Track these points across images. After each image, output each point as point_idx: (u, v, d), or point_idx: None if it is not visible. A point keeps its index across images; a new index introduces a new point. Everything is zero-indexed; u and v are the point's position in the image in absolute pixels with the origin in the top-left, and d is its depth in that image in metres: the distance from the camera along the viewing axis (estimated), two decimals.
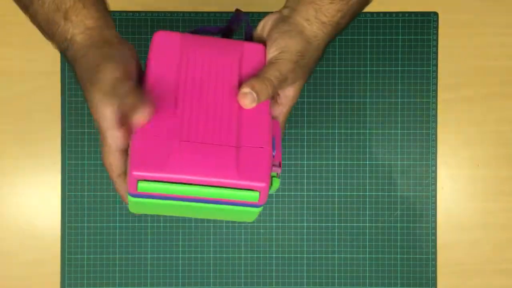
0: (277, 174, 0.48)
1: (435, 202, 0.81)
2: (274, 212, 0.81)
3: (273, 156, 0.48)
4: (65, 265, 0.81)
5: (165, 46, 0.50)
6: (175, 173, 0.44)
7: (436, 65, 0.82)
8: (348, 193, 0.81)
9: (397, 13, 0.82)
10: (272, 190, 0.48)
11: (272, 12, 0.53)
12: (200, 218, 0.81)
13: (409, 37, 0.82)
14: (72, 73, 0.53)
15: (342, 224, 0.81)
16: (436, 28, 0.82)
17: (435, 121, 0.82)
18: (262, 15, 0.82)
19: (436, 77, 0.82)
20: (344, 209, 0.81)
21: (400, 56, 0.82)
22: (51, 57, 0.82)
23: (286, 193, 0.81)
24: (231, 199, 0.46)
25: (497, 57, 0.82)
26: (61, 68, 0.81)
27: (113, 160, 0.48)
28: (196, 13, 0.82)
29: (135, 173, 0.44)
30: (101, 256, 0.81)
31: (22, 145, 0.81)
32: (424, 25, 0.82)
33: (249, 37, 0.56)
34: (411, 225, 0.81)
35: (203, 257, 0.81)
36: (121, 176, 0.49)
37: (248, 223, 0.81)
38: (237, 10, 0.56)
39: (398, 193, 0.82)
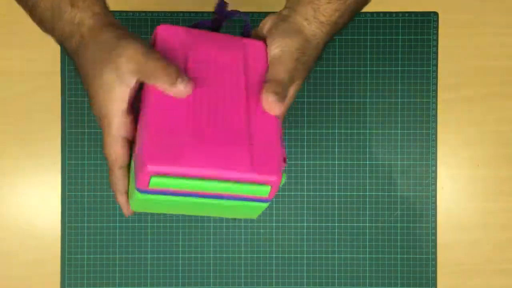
0: (284, 169, 0.49)
1: (435, 202, 0.81)
2: (274, 212, 0.81)
3: None
4: (65, 265, 0.81)
5: (169, 40, 0.50)
6: (190, 166, 0.43)
7: (436, 65, 0.82)
8: (348, 193, 0.81)
9: (397, 13, 0.82)
10: (279, 185, 0.49)
11: (272, 13, 0.54)
12: (200, 218, 0.81)
13: (409, 37, 0.82)
14: (73, 66, 0.52)
15: (342, 224, 0.81)
16: (436, 28, 0.82)
17: (435, 121, 0.82)
18: (262, 15, 0.82)
19: (436, 77, 0.82)
20: (344, 209, 0.81)
21: (400, 56, 0.82)
22: (51, 57, 0.82)
23: (286, 193, 0.81)
24: (243, 194, 0.45)
25: (497, 57, 0.82)
26: (61, 68, 0.81)
27: (118, 150, 0.46)
28: (196, 13, 0.82)
29: (150, 166, 0.42)
30: (101, 256, 0.81)
31: (22, 145, 0.81)
32: (424, 25, 0.82)
33: (247, 35, 0.56)
34: (411, 225, 0.81)
35: (203, 257, 0.81)
36: (123, 169, 0.47)
37: (249, 222, 0.81)
38: (220, 0, 0.56)
39: (398, 193, 0.82)
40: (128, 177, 0.49)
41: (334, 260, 0.81)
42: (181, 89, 0.46)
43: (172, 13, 0.82)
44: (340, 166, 0.81)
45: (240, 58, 0.51)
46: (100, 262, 0.81)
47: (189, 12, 0.82)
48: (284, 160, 0.48)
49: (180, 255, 0.81)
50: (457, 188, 0.82)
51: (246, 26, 0.56)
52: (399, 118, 0.82)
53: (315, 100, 0.82)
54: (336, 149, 0.81)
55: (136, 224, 0.81)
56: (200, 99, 0.47)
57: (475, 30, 0.82)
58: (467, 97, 0.82)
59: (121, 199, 0.49)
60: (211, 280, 0.81)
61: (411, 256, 0.81)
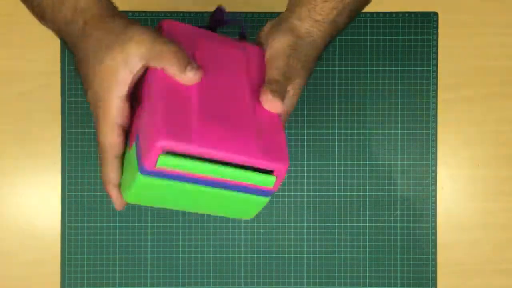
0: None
1: (435, 202, 0.81)
2: (274, 212, 0.81)
3: None
4: (65, 265, 0.81)
5: (175, 33, 0.50)
6: (201, 146, 0.42)
7: (436, 65, 0.82)
8: (348, 193, 0.81)
9: (397, 13, 0.82)
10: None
11: (272, 15, 0.54)
12: (200, 218, 0.81)
13: (409, 37, 0.82)
14: (71, 54, 0.50)
15: (342, 224, 0.81)
16: (436, 28, 0.82)
17: (435, 121, 0.82)
18: (262, 15, 0.82)
19: (436, 77, 0.82)
20: (344, 209, 0.81)
21: (400, 56, 0.82)
22: (51, 57, 0.82)
23: (286, 193, 0.81)
24: (248, 182, 0.45)
25: (497, 57, 0.82)
26: (61, 68, 0.81)
27: (114, 138, 0.45)
28: (196, 13, 0.82)
29: (161, 142, 0.41)
30: (101, 256, 0.81)
31: (22, 145, 0.81)
32: (424, 25, 0.82)
33: (243, 38, 0.57)
34: (411, 225, 0.81)
35: (203, 257, 0.81)
36: (118, 159, 0.46)
37: (249, 222, 0.81)
38: (218, 7, 0.56)
39: (398, 193, 0.82)
40: (122, 168, 0.48)
41: (334, 260, 0.81)
42: (190, 76, 0.46)
43: (172, 13, 0.82)
44: (340, 166, 0.81)
45: (242, 57, 0.51)
46: (100, 262, 0.81)
47: (189, 12, 0.82)
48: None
49: (180, 255, 0.81)
50: (457, 188, 0.82)
51: (242, 31, 0.56)
52: (399, 118, 0.82)
53: (315, 100, 0.82)
54: (336, 149, 0.81)
55: (136, 224, 0.81)
56: (206, 88, 0.47)
57: (475, 30, 0.82)
58: (467, 97, 0.82)
59: (113, 191, 0.47)
60: (211, 280, 0.81)
61: (411, 256, 0.81)
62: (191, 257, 0.81)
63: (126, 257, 0.81)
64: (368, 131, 0.82)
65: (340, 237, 0.81)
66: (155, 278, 0.81)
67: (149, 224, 0.81)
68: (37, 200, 0.81)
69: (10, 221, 0.81)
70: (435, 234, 0.81)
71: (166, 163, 0.42)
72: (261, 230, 0.81)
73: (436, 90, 0.82)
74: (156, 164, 0.42)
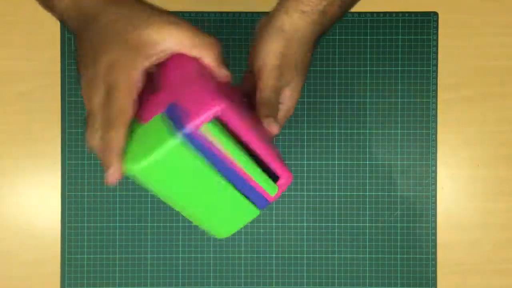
0: None
1: (435, 202, 0.81)
2: (274, 212, 0.81)
3: None
4: (65, 265, 0.81)
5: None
6: (244, 124, 0.44)
7: (436, 65, 0.82)
8: (348, 193, 0.81)
9: (397, 13, 0.82)
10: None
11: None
12: None
13: (409, 37, 0.82)
14: (73, 27, 0.48)
15: (342, 224, 0.81)
16: (436, 28, 0.82)
17: (435, 121, 0.82)
18: (262, 15, 0.82)
19: (436, 77, 0.82)
20: (344, 209, 0.81)
21: (400, 56, 0.82)
22: (51, 57, 0.82)
23: (286, 193, 0.81)
24: (256, 180, 0.46)
25: (497, 57, 0.82)
26: (61, 68, 0.81)
27: (131, 102, 0.43)
28: (197, 13, 0.82)
29: (219, 106, 0.42)
30: (101, 256, 0.81)
31: (22, 145, 0.81)
32: (424, 25, 0.82)
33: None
34: (411, 225, 0.81)
35: (203, 257, 0.81)
36: (127, 125, 0.44)
37: (249, 222, 0.81)
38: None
39: (398, 193, 0.82)
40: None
41: (334, 260, 0.81)
42: (224, 71, 0.46)
43: (172, 13, 0.82)
44: (340, 166, 0.81)
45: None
46: (100, 262, 0.81)
47: (189, 12, 0.82)
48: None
49: (180, 255, 0.81)
50: (457, 188, 0.82)
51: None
52: (399, 118, 0.82)
53: (315, 100, 0.82)
54: (336, 149, 0.81)
55: (136, 224, 0.81)
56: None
57: (475, 30, 0.82)
58: (467, 97, 0.82)
59: (115, 159, 0.44)
60: (211, 280, 0.81)
61: (411, 256, 0.81)
62: (191, 257, 0.81)
63: (126, 257, 0.81)
64: (368, 131, 0.82)
65: (340, 237, 0.81)
66: (155, 278, 0.81)
67: (149, 224, 0.81)
68: (37, 200, 0.81)
69: (10, 221, 0.81)
70: (435, 234, 0.81)
71: (209, 130, 0.43)
72: (261, 230, 0.81)
73: (436, 90, 0.82)
74: (199, 127, 0.42)
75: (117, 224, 0.81)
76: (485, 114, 0.82)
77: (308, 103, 0.82)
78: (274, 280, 0.81)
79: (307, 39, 0.51)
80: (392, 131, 0.82)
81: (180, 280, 0.81)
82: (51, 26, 0.82)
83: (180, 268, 0.81)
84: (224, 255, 0.81)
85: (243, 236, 0.81)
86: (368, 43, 0.82)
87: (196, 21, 0.82)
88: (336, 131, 0.82)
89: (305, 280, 0.81)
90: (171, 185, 0.45)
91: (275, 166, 0.47)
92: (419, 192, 0.81)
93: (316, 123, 0.82)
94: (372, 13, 0.82)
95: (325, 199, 0.81)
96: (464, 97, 0.82)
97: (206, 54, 0.46)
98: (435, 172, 0.82)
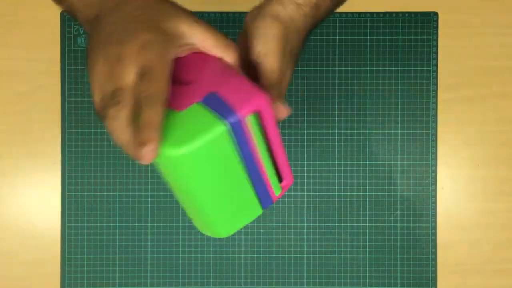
0: None
1: (435, 202, 0.81)
2: (274, 212, 0.81)
3: None
4: (65, 265, 0.81)
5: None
6: (274, 121, 0.47)
7: (436, 65, 0.82)
8: (348, 193, 0.81)
9: (397, 13, 0.82)
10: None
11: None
12: None
13: (409, 37, 0.82)
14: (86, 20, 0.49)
15: (342, 224, 0.81)
16: (436, 28, 0.82)
17: (435, 121, 0.82)
18: None
19: (436, 77, 0.82)
20: (344, 209, 0.81)
21: (400, 56, 0.82)
22: (51, 57, 0.82)
23: (286, 193, 0.81)
24: (268, 175, 0.48)
25: (497, 57, 0.82)
26: (61, 68, 0.81)
27: (167, 82, 0.43)
28: (197, 13, 0.82)
29: (264, 99, 0.44)
30: (101, 256, 0.81)
31: (22, 145, 0.81)
32: (424, 25, 0.82)
33: None
34: (411, 225, 0.81)
35: (203, 257, 0.81)
36: (165, 103, 0.44)
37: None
38: None
39: (398, 193, 0.82)
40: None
41: (334, 260, 0.81)
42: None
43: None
44: (340, 166, 0.81)
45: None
46: (100, 262, 0.81)
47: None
48: None
49: (180, 255, 0.81)
50: (457, 188, 0.82)
51: None
52: (399, 118, 0.82)
53: (315, 100, 0.82)
54: (336, 149, 0.81)
55: (136, 224, 0.81)
56: None
57: (475, 30, 0.82)
58: (467, 97, 0.82)
59: (155, 135, 0.42)
60: (211, 280, 0.81)
61: (411, 256, 0.81)
62: (191, 257, 0.81)
63: (126, 257, 0.81)
64: (368, 131, 0.82)
65: (340, 237, 0.81)
66: (155, 278, 0.81)
67: (149, 224, 0.81)
68: (37, 200, 0.81)
69: (10, 221, 0.81)
70: (435, 234, 0.81)
71: (251, 122, 0.44)
72: (261, 230, 0.81)
73: (436, 90, 0.82)
74: (245, 118, 0.43)
75: (117, 224, 0.81)
76: (485, 114, 0.82)
77: (308, 103, 0.82)
78: (274, 280, 0.81)
79: (301, 32, 0.52)
80: (392, 131, 0.82)
81: (180, 280, 0.81)
82: (51, 26, 0.82)
83: (180, 268, 0.81)
84: (224, 255, 0.81)
85: (243, 236, 0.81)
86: (368, 43, 0.82)
87: None
88: (336, 131, 0.82)
89: (305, 280, 0.81)
90: (197, 174, 0.44)
91: (283, 167, 0.49)
92: (419, 192, 0.81)
93: (316, 123, 0.82)
94: (372, 13, 0.82)
95: (325, 199, 0.81)
96: (464, 97, 0.82)
97: (227, 55, 0.47)
98: (435, 172, 0.82)
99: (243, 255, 0.81)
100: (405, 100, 0.82)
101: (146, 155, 0.41)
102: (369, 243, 0.81)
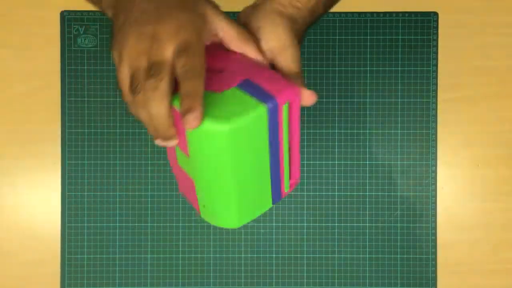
0: None
1: (435, 202, 0.81)
2: (274, 212, 0.81)
3: None
4: (65, 265, 0.81)
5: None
6: (299, 115, 0.50)
7: (436, 65, 0.82)
8: (348, 193, 0.81)
9: (397, 13, 0.82)
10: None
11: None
12: (200, 218, 0.81)
13: (409, 37, 0.82)
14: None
15: (342, 224, 0.81)
16: (436, 28, 0.82)
17: (435, 121, 0.82)
18: None
19: (436, 77, 0.82)
20: (344, 209, 0.81)
21: (400, 56, 0.82)
22: (51, 57, 0.82)
23: None
24: (284, 172, 0.50)
25: (497, 57, 0.82)
26: (61, 68, 0.81)
27: (204, 59, 0.46)
28: None
29: (297, 91, 0.46)
30: (101, 256, 0.81)
31: (22, 145, 0.81)
32: (424, 25, 0.82)
33: None
34: (411, 225, 0.81)
35: (203, 257, 0.81)
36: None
37: (249, 222, 0.81)
38: None
39: (398, 193, 0.82)
40: None
41: (334, 260, 0.81)
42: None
43: None
44: (340, 166, 0.81)
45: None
46: (100, 262, 0.81)
47: None
48: None
49: (180, 255, 0.81)
50: (457, 188, 0.82)
51: None
52: (399, 118, 0.82)
53: None
54: (336, 149, 0.81)
55: (136, 224, 0.81)
56: None
57: (475, 30, 0.82)
58: (467, 97, 0.82)
59: (199, 105, 0.44)
60: (211, 280, 0.81)
61: (411, 256, 0.81)
62: (191, 257, 0.81)
63: (126, 257, 0.81)
64: (368, 131, 0.82)
65: (340, 237, 0.81)
66: (155, 278, 0.81)
67: (149, 224, 0.81)
68: (37, 200, 0.81)
69: (10, 221, 0.81)
70: (435, 234, 0.81)
71: (284, 110, 0.46)
72: (261, 230, 0.81)
73: (436, 90, 0.82)
74: (282, 105, 0.46)
75: (117, 224, 0.81)
76: (485, 114, 0.82)
77: None
78: (274, 280, 0.81)
79: (301, 32, 0.54)
80: (392, 131, 0.82)
81: (180, 280, 0.81)
82: (51, 26, 0.82)
83: (180, 268, 0.81)
84: (224, 255, 0.81)
85: (243, 236, 0.81)
86: (368, 43, 0.82)
87: None
88: (336, 131, 0.82)
89: (305, 280, 0.81)
90: (233, 152, 0.46)
91: (296, 164, 0.51)
92: (419, 192, 0.81)
93: (316, 123, 0.82)
94: (372, 13, 0.82)
95: (325, 199, 0.81)
96: (464, 97, 0.82)
97: (249, 49, 0.49)
98: (435, 172, 0.82)
99: (243, 255, 0.81)
100: (405, 100, 0.82)
101: (192, 122, 0.43)
102: (369, 243, 0.81)
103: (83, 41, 0.81)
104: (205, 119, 0.44)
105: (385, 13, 0.82)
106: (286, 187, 0.51)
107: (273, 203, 0.51)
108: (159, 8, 0.46)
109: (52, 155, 0.81)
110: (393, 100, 0.82)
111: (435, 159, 0.82)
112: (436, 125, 0.82)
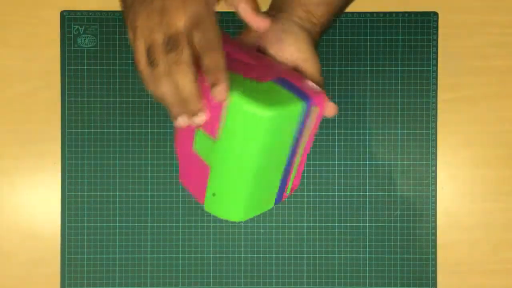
0: None
1: (435, 202, 0.81)
2: (274, 212, 0.81)
3: None
4: (65, 265, 0.81)
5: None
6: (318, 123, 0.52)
7: (436, 65, 0.82)
8: (348, 193, 0.81)
9: (397, 13, 0.82)
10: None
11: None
12: (200, 218, 0.81)
13: (409, 37, 0.82)
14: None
15: (342, 224, 0.81)
16: (436, 28, 0.82)
17: (435, 121, 0.82)
18: None
19: (436, 77, 0.82)
20: (344, 209, 0.81)
21: (400, 56, 0.82)
22: (51, 57, 0.82)
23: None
24: (292, 174, 0.51)
25: (497, 57, 0.82)
26: (61, 68, 0.81)
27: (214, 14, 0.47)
28: None
29: (325, 97, 0.48)
30: (101, 256, 0.81)
31: (22, 145, 0.81)
32: (424, 25, 0.82)
33: None
34: (411, 225, 0.81)
35: (203, 257, 0.81)
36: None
37: (249, 222, 0.81)
38: None
39: (398, 193, 0.82)
40: None
41: (334, 260, 0.81)
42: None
43: None
44: (340, 166, 0.81)
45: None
46: (100, 262, 0.81)
47: None
48: None
49: (180, 255, 0.81)
50: (457, 188, 0.82)
51: None
52: (399, 118, 0.82)
53: None
54: (336, 149, 0.81)
55: (136, 224, 0.81)
56: None
57: (475, 30, 0.82)
58: (467, 97, 0.82)
59: (224, 77, 0.45)
60: (211, 280, 0.81)
61: (411, 256, 0.81)
62: (191, 257, 0.81)
63: (126, 257, 0.81)
64: (368, 131, 0.82)
65: (340, 237, 0.81)
66: (155, 278, 0.81)
67: (149, 224, 0.81)
68: (37, 200, 0.81)
69: (10, 221, 0.81)
70: (435, 234, 0.81)
71: (312, 113, 0.48)
72: (261, 230, 0.81)
73: (436, 90, 0.82)
74: (313, 107, 0.48)
75: (117, 224, 0.81)
76: (485, 114, 0.82)
77: None
78: (274, 280, 0.81)
79: (316, 42, 0.55)
80: (392, 131, 0.82)
81: (180, 280, 0.81)
82: (51, 26, 0.82)
83: (180, 268, 0.81)
84: (224, 255, 0.81)
85: (243, 236, 0.81)
86: (368, 43, 0.82)
87: None
88: (336, 131, 0.82)
89: (305, 280, 0.81)
90: (264, 140, 0.46)
91: (301, 167, 0.52)
92: (419, 192, 0.81)
93: None
94: (372, 13, 0.82)
95: (325, 199, 0.81)
96: (464, 97, 0.82)
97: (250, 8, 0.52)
98: (435, 172, 0.82)
99: (243, 255, 0.81)
100: (405, 100, 0.82)
101: (221, 93, 0.43)
102: (369, 243, 0.81)
103: (83, 41, 0.81)
104: (249, 102, 0.44)
105: (385, 13, 0.82)
106: (288, 189, 0.52)
107: (275, 203, 0.52)
108: None
109: (52, 155, 0.81)
110: (393, 100, 0.82)
111: (435, 159, 0.82)
112: (436, 125, 0.82)
